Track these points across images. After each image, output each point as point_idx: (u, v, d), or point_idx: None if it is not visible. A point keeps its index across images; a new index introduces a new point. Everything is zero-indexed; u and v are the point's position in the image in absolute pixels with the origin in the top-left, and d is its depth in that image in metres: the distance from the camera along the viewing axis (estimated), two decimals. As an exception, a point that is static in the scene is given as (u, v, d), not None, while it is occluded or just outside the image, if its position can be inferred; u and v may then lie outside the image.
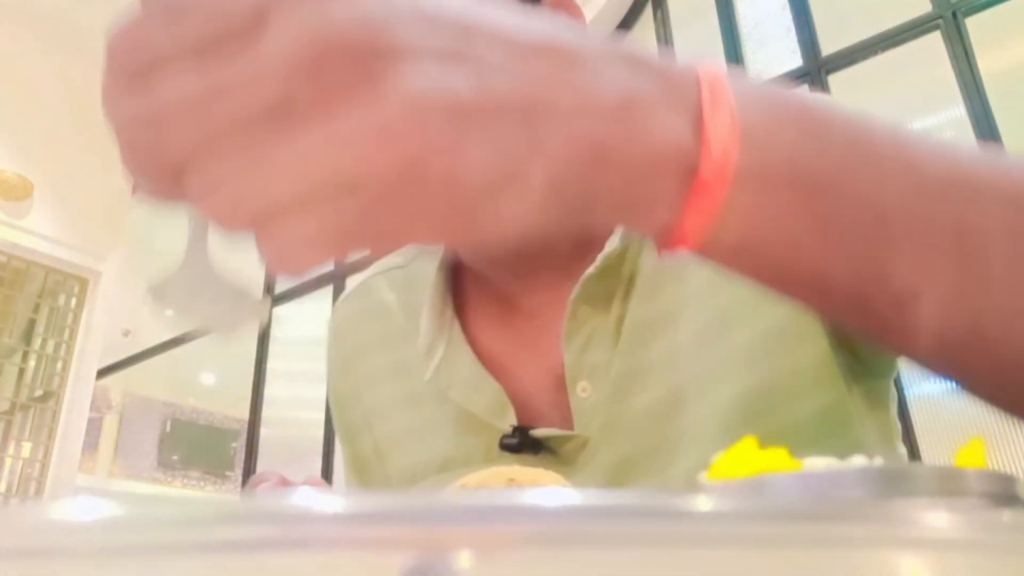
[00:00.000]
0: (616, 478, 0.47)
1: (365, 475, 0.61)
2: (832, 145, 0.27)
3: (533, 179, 0.21)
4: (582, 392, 0.48)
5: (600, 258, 0.48)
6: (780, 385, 0.45)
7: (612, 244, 0.48)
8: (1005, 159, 0.30)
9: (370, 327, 0.60)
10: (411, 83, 0.20)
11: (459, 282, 0.56)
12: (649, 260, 0.49)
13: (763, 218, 0.25)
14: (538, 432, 0.49)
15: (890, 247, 0.26)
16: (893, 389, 0.52)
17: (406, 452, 0.56)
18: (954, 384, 0.30)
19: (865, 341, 0.42)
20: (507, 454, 0.49)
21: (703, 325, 0.47)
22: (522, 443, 0.49)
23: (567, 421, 0.49)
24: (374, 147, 0.20)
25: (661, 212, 0.24)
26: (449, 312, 0.54)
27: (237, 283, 0.31)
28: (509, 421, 0.50)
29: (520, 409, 0.50)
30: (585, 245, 0.50)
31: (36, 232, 3.64)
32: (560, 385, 0.49)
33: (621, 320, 0.49)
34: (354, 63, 0.20)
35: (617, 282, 0.49)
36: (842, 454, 0.48)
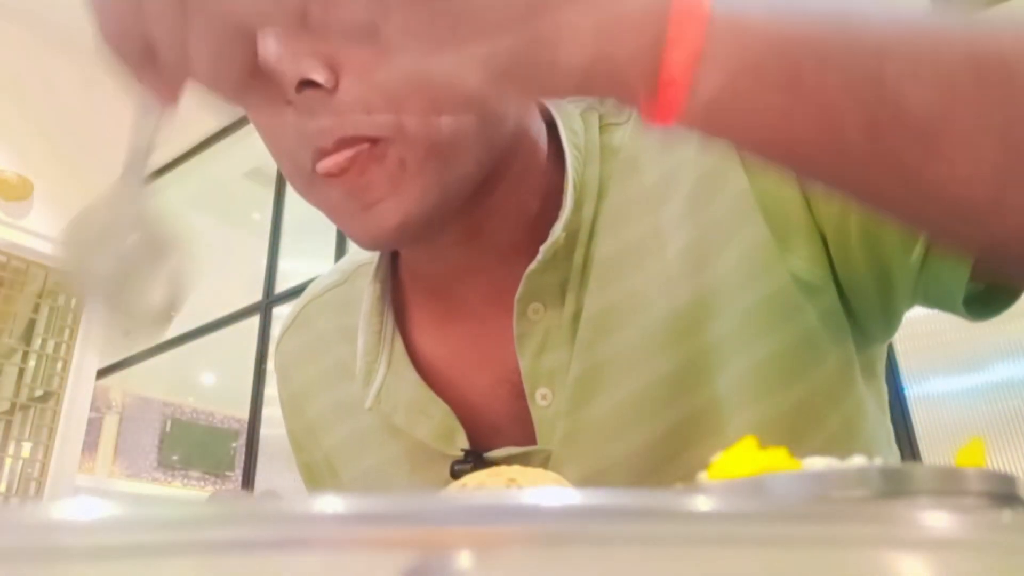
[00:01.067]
0: None
1: None
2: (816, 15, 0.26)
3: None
4: (542, 400, 0.43)
5: (543, 250, 0.42)
6: (774, 371, 0.41)
7: (555, 233, 0.42)
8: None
9: (311, 365, 0.55)
10: None
11: (399, 292, 0.50)
12: (604, 246, 0.44)
13: (743, 66, 0.25)
14: (493, 454, 0.44)
15: (897, 84, 0.25)
16: (883, 359, 0.48)
17: (370, 491, 0.50)
18: (960, 241, 0.28)
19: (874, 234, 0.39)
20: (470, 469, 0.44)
21: (672, 315, 0.42)
22: (475, 468, 0.43)
23: (529, 435, 0.44)
24: None
25: (643, 57, 0.25)
26: (389, 326, 0.49)
27: (161, 234, 0.29)
28: (460, 445, 0.45)
29: (473, 428, 0.46)
30: (528, 234, 0.44)
31: (36, 232, 3.63)
32: (518, 394, 0.45)
33: (577, 315, 0.43)
34: None
35: (568, 273, 0.43)
36: (840, 430, 0.45)
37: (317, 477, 0.57)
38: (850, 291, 0.42)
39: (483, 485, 0.30)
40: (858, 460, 0.19)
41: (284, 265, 3.67)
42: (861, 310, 0.42)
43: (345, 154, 0.37)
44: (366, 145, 0.37)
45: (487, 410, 0.46)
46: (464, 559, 0.11)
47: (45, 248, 3.66)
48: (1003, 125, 0.25)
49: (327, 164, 0.37)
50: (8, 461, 3.50)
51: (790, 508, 0.12)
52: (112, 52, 0.26)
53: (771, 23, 0.25)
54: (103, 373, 4.17)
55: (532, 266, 0.42)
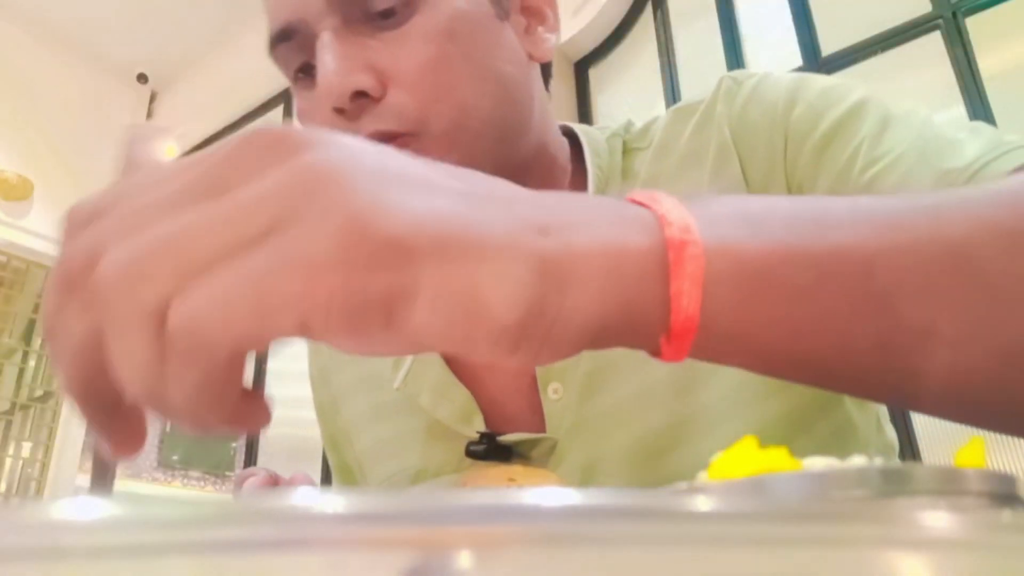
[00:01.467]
0: (586, 480, 0.47)
1: (351, 480, 0.62)
2: (802, 223, 0.26)
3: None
4: (553, 394, 0.48)
5: None
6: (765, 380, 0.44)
7: None
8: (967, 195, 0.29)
9: None
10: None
11: None
12: None
13: (745, 285, 0.24)
14: (505, 438, 0.48)
15: (888, 295, 0.25)
16: None
17: (381, 463, 0.56)
18: (971, 422, 0.28)
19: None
20: (476, 461, 0.49)
21: None
22: (489, 449, 0.48)
23: (540, 425, 0.48)
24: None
25: (653, 296, 0.23)
26: None
27: None
28: (476, 427, 0.49)
29: (490, 415, 0.50)
30: None
31: (36, 232, 3.63)
32: (533, 388, 0.49)
33: None
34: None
35: None
36: (834, 439, 0.48)
37: (337, 447, 0.62)
38: None
39: (483, 485, 0.30)
40: (858, 460, 0.19)
41: (284, 265, 3.68)
42: None
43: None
44: (398, 138, 0.42)
45: (504, 401, 0.50)
46: (464, 559, 0.11)
47: (45, 248, 3.65)
48: (990, 322, 0.25)
49: None
50: (8, 461, 3.50)
51: (790, 508, 0.12)
52: (78, 405, 0.22)
53: (759, 241, 0.24)
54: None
55: None
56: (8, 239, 3.55)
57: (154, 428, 5.66)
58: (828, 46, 2.37)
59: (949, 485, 0.18)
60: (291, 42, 0.46)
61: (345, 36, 0.43)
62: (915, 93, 2.23)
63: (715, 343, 0.24)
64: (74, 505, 0.11)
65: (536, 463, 0.49)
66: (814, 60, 2.36)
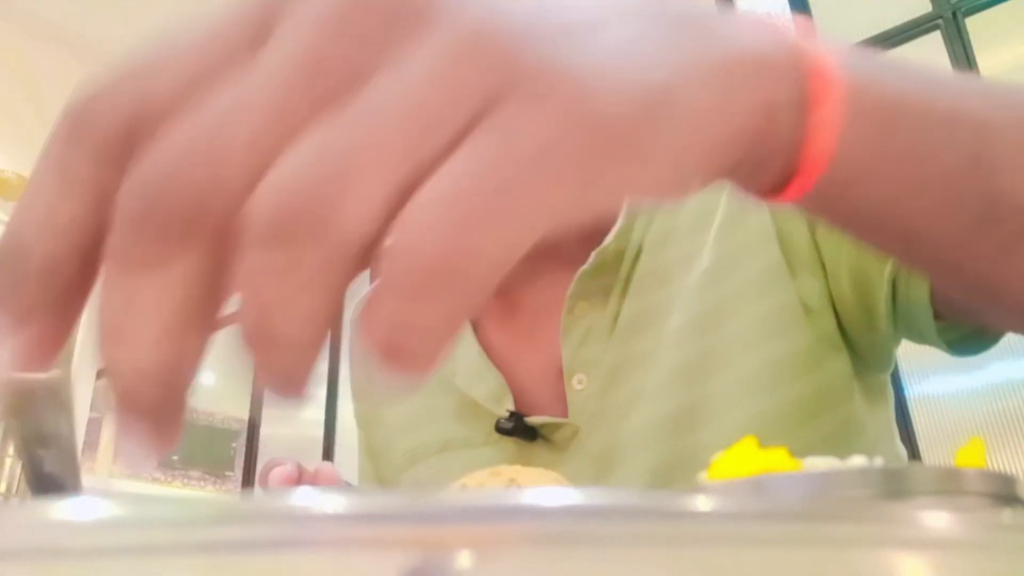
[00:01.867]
0: (602, 465, 0.50)
1: (379, 462, 0.64)
2: (918, 78, 0.26)
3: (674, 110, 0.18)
4: (578, 384, 0.51)
5: (594, 254, 0.51)
6: (778, 369, 0.47)
7: (607, 240, 0.52)
8: None
9: None
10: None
11: None
12: (645, 263, 0.52)
13: (877, 132, 0.23)
14: (532, 420, 0.52)
15: (994, 167, 0.25)
16: (890, 388, 0.54)
17: (408, 435, 0.60)
18: None
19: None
20: (503, 437, 0.53)
21: (693, 317, 0.49)
22: (516, 428, 0.52)
23: (562, 411, 0.52)
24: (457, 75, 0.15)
25: (793, 118, 0.21)
26: None
27: None
28: (506, 407, 0.53)
29: (519, 399, 0.54)
30: (586, 245, 0.53)
31: (36, 232, 3.64)
32: (558, 378, 0.53)
33: (617, 316, 0.51)
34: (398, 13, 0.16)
35: (614, 280, 0.52)
36: (841, 440, 0.50)
37: (366, 424, 0.65)
38: (844, 319, 0.48)
39: (483, 485, 0.30)
40: (858, 460, 0.19)
41: (284, 265, 3.68)
42: (855, 338, 0.49)
43: None
44: None
45: (530, 388, 0.54)
46: (464, 559, 0.11)
47: (45, 248, 3.66)
48: None
49: None
50: (8, 461, 3.50)
51: (790, 508, 0.12)
52: (145, 395, 0.17)
53: (896, 89, 0.24)
54: (103, 373, 4.17)
55: (584, 267, 0.51)
56: (8, 239, 3.54)
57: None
58: (828, 46, 2.36)
59: (949, 485, 0.18)
60: None
61: None
62: (915, 93, 2.23)
63: (830, 186, 0.23)
64: (74, 505, 0.11)
65: (558, 446, 0.52)
66: (814, 60, 2.36)
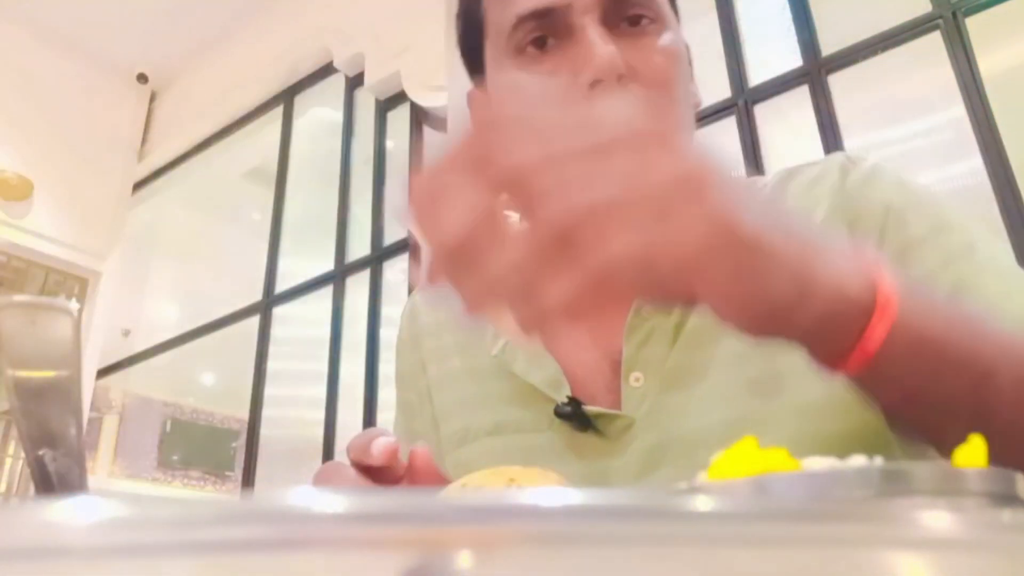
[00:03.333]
0: (651, 461, 0.52)
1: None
2: (940, 308, 0.37)
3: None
4: (635, 381, 0.53)
5: None
6: (839, 400, 0.49)
7: None
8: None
9: (445, 310, 0.67)
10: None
11: None
12: None
13: (912, 341, 0.33)
14: (590, 409, 0.54)
15: (988, 399, 0.35)
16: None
17: (459, 418, 0.61)
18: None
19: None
20: (554, 426, 0.55)
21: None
22: (574, 413, 0.53)
23: (616, 405, 0.54)
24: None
25: (843, 338, 0.32)
26: None
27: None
28: (565, 393, 0.55)
29: (574, 388, 0.55)
30: None
31: (36, 232, 3.63)
32: (615, 372, 0.54)
33: (681, 324, 0.54)
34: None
35: None
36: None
37: (411, 410, 0.67)
38: None
39: (483, 485, 0.30)
40: (858, 460, 0.19)
41: (284, 265, 3.67)
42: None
43: None
44: None
45: (586, 380, 0.56)
46: (464, 559, 0.11)
47: (45, 248, 3.65)
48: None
49: None
50: (8, 461, 3.50)
51: (790, 508, 0.12)
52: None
53: (928, 313, 0.34)
54: (103, 373, 4.17)
55: None
56: (8, 239, 3.55)
57: (154, 429, 5.64)
58: (828, 46, 2.37)
59: (949, 485, 0.18)
60: (545, 20, 0.53)
61: (603, 29, 0.51)
62: (915, 93, 2.23)
63: (867, 377, 0.33)
64: (74, 505, 0.11)
65: (609, 438, 0.53)
66: (814, 60, 2.36)
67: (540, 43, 0.54)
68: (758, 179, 0.62)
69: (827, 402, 0.49)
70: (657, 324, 0.54)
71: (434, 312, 0.68)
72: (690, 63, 0.60)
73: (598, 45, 0.50)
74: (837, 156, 0.59)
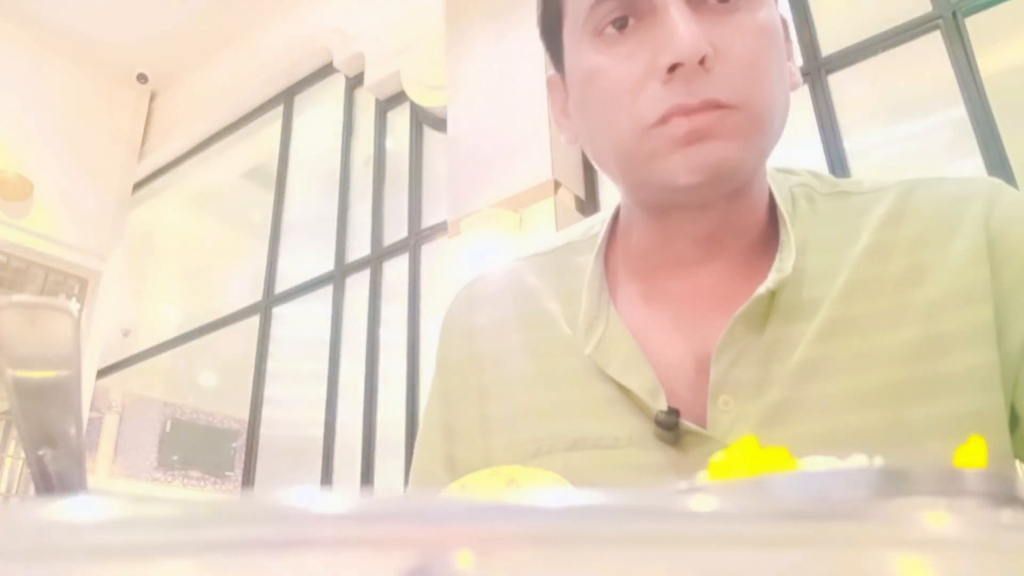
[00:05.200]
0: None
1: (455, 444, 0.61)
2: None
3: None
4: (723, 405, 0.50)
5: (774, 279, 0.51)
6: (955, 425, 0.47)
7: (785, 270, 0.51)
8: None
9: (508, 305, 0.63)
10: None
11: (609, 273, 0.60)
12: (806, 295, 0.52)
13: None
14: (688, 425, 0.51)
15: None
16: None
17: (532, 427, 0.57)
18: None
19: None
20: (646, 442, 0.51)
21: (873, 390, 0.49)
22: (672, 423, 0.50)
23: (700, 413, 0.51)
24: None
25: None
26: (605, 296, 0.57)
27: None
28: (661, 404, 0.52)
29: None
30: (735, 261, 0.54)
31: (36, 232, 3.63)
32: (698, 369, 0.52)
33: (773, 346, 0.51)
34: None
35: (770, 309, 0.52)
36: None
37: (453, 403, 0.63)
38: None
39: (483, 485, 0.30)
40: (858, 460, 0.19)
41: (284, 265, 3.67)
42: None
43: (706, 110, 0.48)
44: (723, 109, 0.48)
45: (668, 377, 0.53)
46: (464, 559, 0.10)
47: (45, 248, 3.65)
48: None
49: (691, 106, 0.47)
50: (8, 461, 3.50)
51: (790, 508, 0.12)
52: None
53: None
54: (103, 373, 4.17)
55: (760, 291, 0.50)
56: (8, 239, 3.55)
57: (154, 429, 5.63)
58: (828, 46, 2.37)
59: (949, 485, 0.18)
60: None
61: (686, 8, 0.49)
62: (915, 93, 2.23)
63: None
64: (74, 505, 0.11)
65: (692, 458, 0.50)
66: (814, 60, 2.36)
67: (620, 24, 0.51)
68: (860, 181, 0.58)
69: (949, 424, 0.47)
70: (747, 345, 0.51)
71: (497, 307, 0.64)
72: (788, 40, 0.56)
73: (679, 25, 0.48)
74: (983, 180, 0.54)
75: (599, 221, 0.63)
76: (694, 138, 0.48)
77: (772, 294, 0.51)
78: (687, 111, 0.48)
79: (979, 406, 0.47)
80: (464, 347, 0.64)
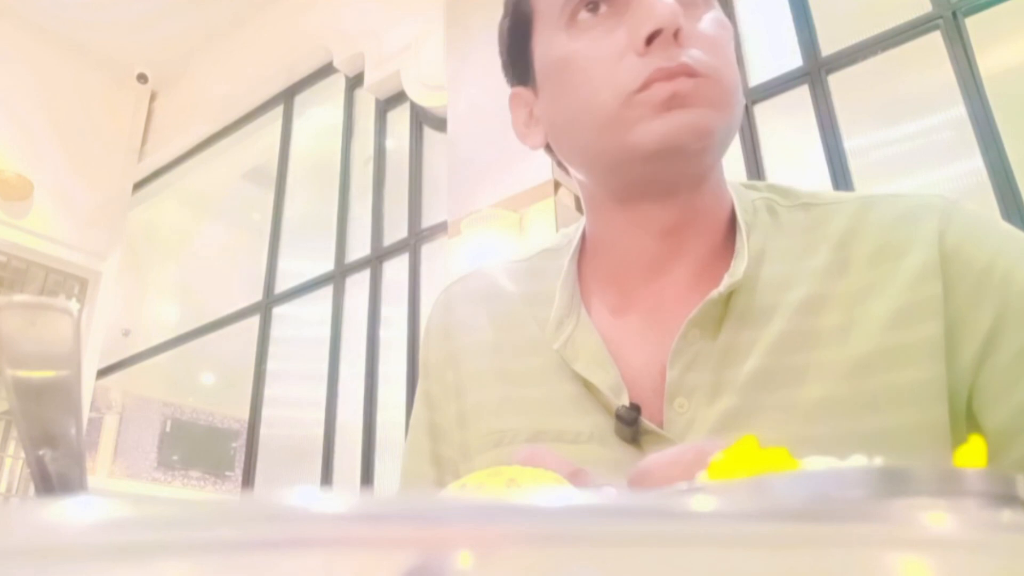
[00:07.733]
0: None
1: (440, 443, 0.64)
2: None
3: None
4: (679, 408, 0.52)
5: (726, 284, 0.52)
6: (917, 437, 0.48)
7: (736, 276, 0.52)
8: None
9: (482, 306, 0.66)
10: None
11: (583, 280, 0.62)
12: (760, 299, 0.53)
13: None
14: (647, 424, 0.52)
15: None
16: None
17: (496, 419, 0.59)
18: None
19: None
20: (604, 440, 0.53)
21: (827, 398, 0.49)
22: (632, 420, 0.52)
23: (660, 414, 0.53)
24: None
25: None
26: (577, 297, 0.60)
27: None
28: (623, 401, 0.53)
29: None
30: (697, 269, 0.56)
31: (36, 232, 3.63)
32: (657, 376, 0.54)
33: (727, 351, 0.52)
34: None
35: (725, 311, 0.53)
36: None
37: (435, 403, 0.65)
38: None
39: (483, 485, 0.30)
40: (858, 460, 0.19)
41: (284, 265, 3.67)
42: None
43: (684, 75, 0.50)
44: (698, 77, 0.51)
45: (631, 382, 0.55)
46: (464, 559, 0.10)
47: (45, 248, 3.65)
48: None
49: (670, 69, 0.50)
50: (8, 461, 3.50)
51: (790, 508, 0.12)
52: None
53: None
54: (103, 373, 4.17)
55: (712, 295, 0.52)
56: (8, 239, 3.55)
57: (154, 429, 5.63)
58: (828, 46, 2.37)
59: (949, 485, 0.18)
60: None
61: None
62: (915, 93, 2.23)
63: None
64: (74, 505, 0.11)
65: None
66: (814, 60, 2.36)
67: (593, 7, 0.55)
68: (820, 194, 0.59)
69: (904, 433, 0.48)
70: (701, 349, 0.52)
71: (472, 307, 0.66)
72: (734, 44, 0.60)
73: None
74: (936, 197, 0.55)
75: (577, 228, 0.65)
76: (674, 103, 0.50)
77: (726, 299, 0.53)
78: (668, 74, 0.50)
79: (924, 419, 0.48)
80: (443, 346, 0.66)
